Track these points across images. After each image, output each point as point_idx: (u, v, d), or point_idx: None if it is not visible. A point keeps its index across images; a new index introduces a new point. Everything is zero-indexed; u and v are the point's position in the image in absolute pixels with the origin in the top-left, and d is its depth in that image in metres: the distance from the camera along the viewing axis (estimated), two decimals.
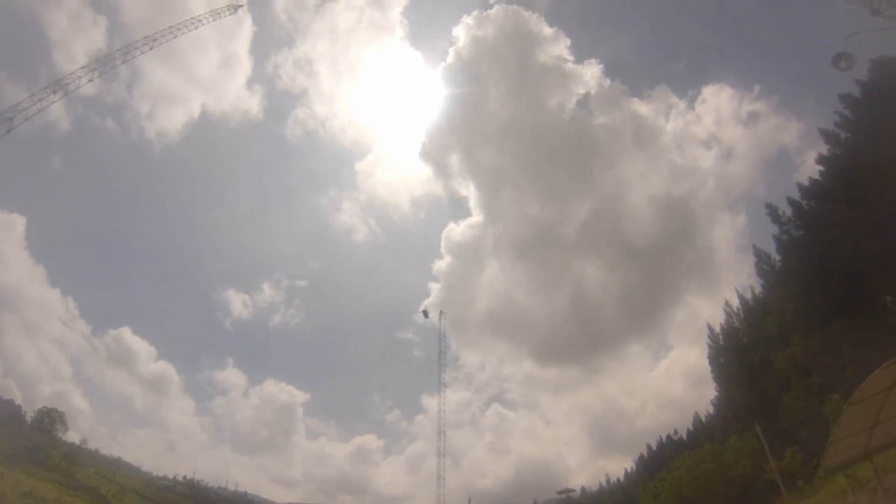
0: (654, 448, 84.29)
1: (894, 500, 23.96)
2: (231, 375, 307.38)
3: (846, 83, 48.12)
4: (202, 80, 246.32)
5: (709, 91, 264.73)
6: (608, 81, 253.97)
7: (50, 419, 78.43)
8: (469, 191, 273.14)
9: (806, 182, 52.32)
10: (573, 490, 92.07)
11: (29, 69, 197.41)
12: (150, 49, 58.72)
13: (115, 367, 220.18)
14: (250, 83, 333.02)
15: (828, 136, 49.49)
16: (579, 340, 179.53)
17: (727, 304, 70.94)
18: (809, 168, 61.50)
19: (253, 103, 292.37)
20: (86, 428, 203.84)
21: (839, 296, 42.78)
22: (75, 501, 46.87)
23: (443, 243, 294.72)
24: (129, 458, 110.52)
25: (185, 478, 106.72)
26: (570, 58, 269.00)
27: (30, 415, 75.87)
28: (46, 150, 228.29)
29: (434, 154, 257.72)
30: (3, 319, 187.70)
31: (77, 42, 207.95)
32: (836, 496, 31.49)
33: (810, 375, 45.21)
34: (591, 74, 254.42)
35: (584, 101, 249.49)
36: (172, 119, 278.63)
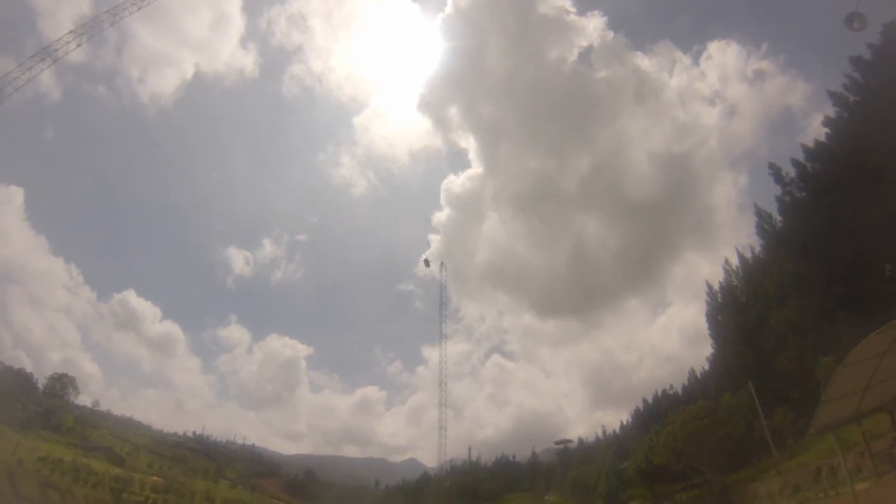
0: (650, 402, 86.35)
1: (881, 464, 24.79)
2: (235, 332, 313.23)
3: (857, 45, 46.78)
4: (194, 40, 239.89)
5: (714, 47, 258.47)
6: (611, 34, 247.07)
7: (61, 385, 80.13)
8: (469, 143, 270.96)
9: (811, 144, 51.74)
10: (571, 441, 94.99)
11: (15, 41, 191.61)
12: (139, 9, 56.86)
13: (122, 329, 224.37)
14: (244, 41, 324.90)
15: (836, 99, 48.42)
16: (579, 294, 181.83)
17: (727, 262, 71.40)
18: (815, 130, 60.74)
19: (247, 61, 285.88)
20: (97, 391, 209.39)
21: (839, 260, 42.96)
22: (91, 462, 48.35)
23: (442, 195, 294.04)
24: (140, 418, 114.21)
25: (194, 434, 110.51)
26: (573, 9, 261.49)
27: (41, 382, 77.53)
28: (40, 121, 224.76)
29: (433, 106, 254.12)
30: (9, 292, 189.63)
31: (63, 10, 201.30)
32: (823, 457, 32.51)
33: (805, 337, 45.88)
34: (593, 27, 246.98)
35: (586, 55, 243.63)
36: (165, 81, 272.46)
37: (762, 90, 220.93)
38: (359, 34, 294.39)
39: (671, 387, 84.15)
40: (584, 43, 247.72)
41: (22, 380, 67.20)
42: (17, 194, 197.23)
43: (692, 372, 79.58)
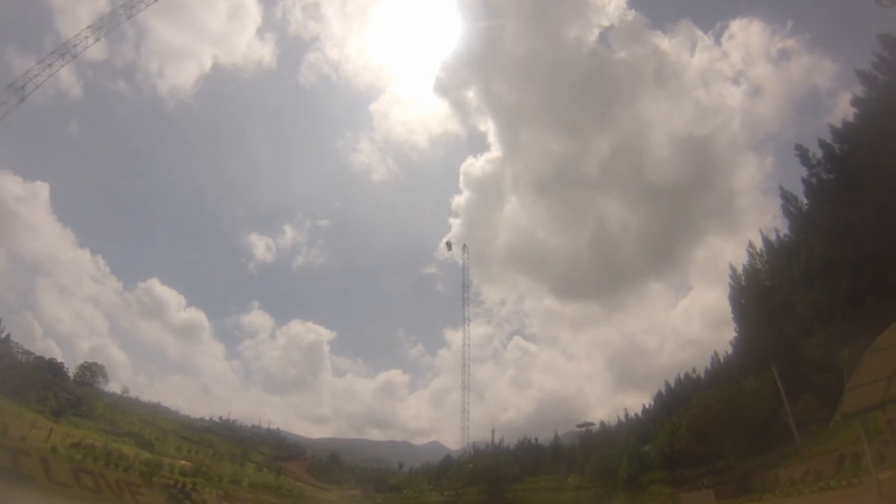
0: (673, 386, 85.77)
1: None
2: (258, 318, 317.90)
3: (886, 22, 45.00)
4: (211, 32, 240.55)
5: (737, 25, 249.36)
6: (631, 13, 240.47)
7: (91, 373, 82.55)
8: (488, 126, 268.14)
9: (839, 124, 50.08)
10: (593, 424, 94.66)
11: (35, 41, 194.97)
12: (154, 1, 57.17)
13: (148, 317, 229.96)
14: (261, 32, 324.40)
15: (864, 78, 46.82)
16: (600, 277, 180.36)
17: (751, 245, 70.02)
18: (843, 110, 58.69)
19: (265, 52, 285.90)
20: (125, 378, 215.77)
21: (868, 243, 41.70)
22: (122, 447, 49.83)
23: (462, 178, 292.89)
24: (168, 403, 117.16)
25: (220, 418, 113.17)
26: None
27: (72, 371, 79.27)
28: (62, 117, 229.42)
29: (450, 88, 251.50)
30: (39, 284, 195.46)
31: (80, 7, 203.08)
32: (847, 444, 31.92)
33: (833, 322, 44.79)
34: (613, 6, 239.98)
35: (605, 35, 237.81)
36: (183, 75, 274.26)
37: (787, 70, 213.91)
38: (373, 20, 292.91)
39: (694, 370, 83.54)
40: (604, 22, 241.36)
41: (53, 369, 69.17)
42: (42, 189, 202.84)
43: (715, 356, 78.69)
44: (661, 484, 55.81)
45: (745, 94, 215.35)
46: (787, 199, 60.04)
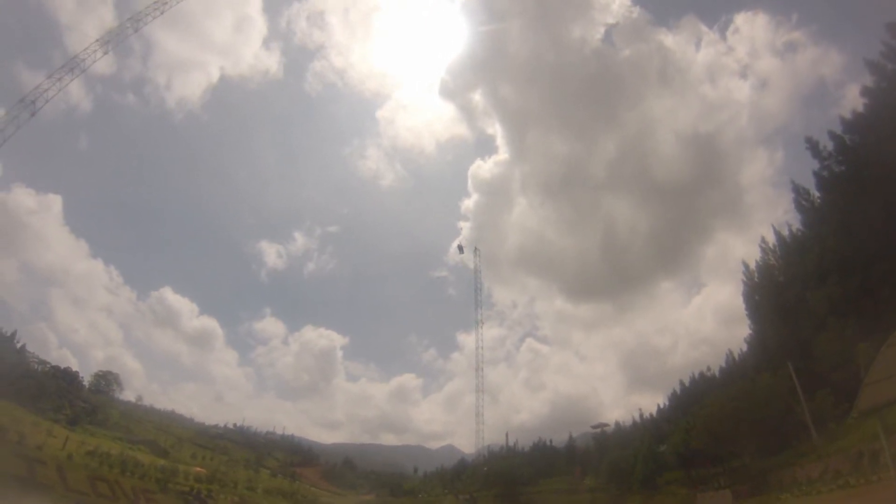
0: (687, 385, 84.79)
1: None
2: (270, 325, 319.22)
3: (893, 10, 44.43)
4: (217, 44, 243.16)
5: (742, 19, 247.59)
6: (636, 10, 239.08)
7: (106, 382, 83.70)
8: (495, 129, 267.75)
9: (849, 115, 49.36)
10: (607, 425, 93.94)
11: (44, 56, 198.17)
12: (161, 14, 57.79)
13: (162, 326, 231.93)
14: (266, 42, 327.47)
15: (873, 67, 46.15)
16: (610, 277, 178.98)
17: (763, 241, 69.12)
18: (851, 102, 57.99)
19: (271, 62, 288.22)
20: (139, 386, 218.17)
21: (881, 236, 41.09)
22: (137, 455, 50.29)
23: (470, 181, 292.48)
24: (182, 411, 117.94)
25: (235, 425, 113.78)
26: None
27: (87, 380, 79.99)
28: (73, 131, 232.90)
29: (456, 92, 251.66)
30: (54, 295, 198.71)
31: (87, 22, 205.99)
32: (865, 441, 31.31)
33: (847, 317, 44.11)
34: (618, 4, 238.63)
35: (610, 33, 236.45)
36: (191, 86, 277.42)
37: (794, 62, 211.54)
38: (377, 27, 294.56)
39: (708, 368, 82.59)
40: (609, 21, 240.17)
41: (68, 378, 69.92)
42: (55, 201, 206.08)
43: (730, 353, 77.73)
44: (677, 484, 55.17)
45: (751, 88, 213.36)
46: (799, 192, 59.28)
